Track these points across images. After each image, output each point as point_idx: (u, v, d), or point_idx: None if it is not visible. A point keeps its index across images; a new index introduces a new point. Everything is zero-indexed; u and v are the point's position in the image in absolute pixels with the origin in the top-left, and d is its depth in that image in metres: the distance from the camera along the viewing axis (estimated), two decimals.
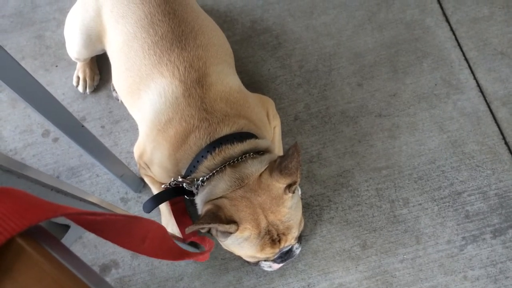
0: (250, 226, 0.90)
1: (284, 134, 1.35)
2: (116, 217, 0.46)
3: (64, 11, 1.57)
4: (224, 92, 1.04)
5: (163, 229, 0.63)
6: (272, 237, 0.93)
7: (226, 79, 1.07)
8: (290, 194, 0.92)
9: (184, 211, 1.27)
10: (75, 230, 0.58)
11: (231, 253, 1.24)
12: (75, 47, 1.31)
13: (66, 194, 0.62)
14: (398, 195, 1.27)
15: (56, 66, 1.53)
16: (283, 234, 0.94)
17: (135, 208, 1.32)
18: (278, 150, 1.26)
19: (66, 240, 0.57)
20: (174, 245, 0.67)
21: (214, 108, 1.00)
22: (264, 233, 0.92)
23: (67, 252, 0.36)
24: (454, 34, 1.45)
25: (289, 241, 0.97)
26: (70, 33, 1.30)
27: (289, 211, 0.93)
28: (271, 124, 1.20)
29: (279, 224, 0.93)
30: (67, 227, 0.58)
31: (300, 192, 1.27)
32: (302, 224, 1.06)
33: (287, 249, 1.02)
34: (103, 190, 1.36)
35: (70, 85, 1.48)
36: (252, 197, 0.91)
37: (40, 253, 0.32)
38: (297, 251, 1.09)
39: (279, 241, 0.95)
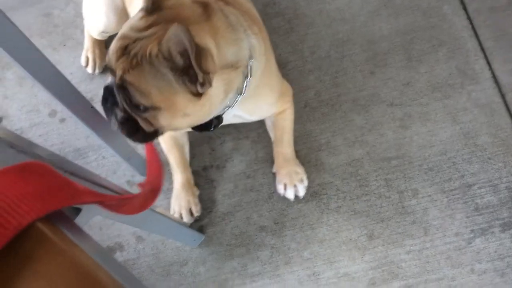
0: None
1: (293, 120, 1.33)
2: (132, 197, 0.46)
3: None
4: None
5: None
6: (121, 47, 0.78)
7: None
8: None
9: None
10: (87, 213, 0.57)
11: (236, 239, 1.24)
12: (102, 18, 1.27)
13: (74, 174, 0.61)
14: (408, 186, 1.25)
15: (64, 45, 1.51)
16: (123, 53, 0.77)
17: None
18: (288, 142, 1.24)
19: (78, 223, 0.56)
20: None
21: None
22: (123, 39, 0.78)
23: (87, 238, 0.34)
24: (471, 22, 1.41)
25: (118, 68, 0.78)
26: (93, 7, 1.26)
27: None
28: (282, 105, 1.19)
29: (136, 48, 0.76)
30: (78, 210, 0.57)
31: (306, 184, 1.26)
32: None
33: (112, 86, 0.83)
34: (109, 172, 1.35)
35: (78, 65, 1.46)
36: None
37: (62, 240, 0.30)
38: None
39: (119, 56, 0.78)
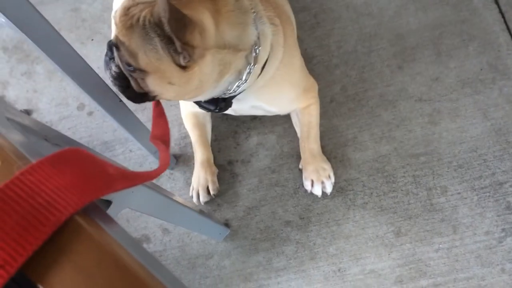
0: None
1: (319, 116, 1.31)
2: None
3: None
4: None
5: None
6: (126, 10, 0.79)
7: None
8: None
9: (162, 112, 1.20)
10: (117, 206, 0.57)
11: (261, 233, 1.23)
12: None
13: None
14: (436, 183, 1.23)
15: (92, 39, 1.53)
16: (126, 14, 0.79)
17: (167, 184, 1.32)
18: (314, 137, 1.23)
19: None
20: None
21: None
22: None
23: (123, 232, 0.34)
24: (503, 16, 1.37)
25: (117, 26, 0.80)
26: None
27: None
28: (306, 100, 1.18)
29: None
30: (109, 202, 0.57)
31: (333, 180, 1.24)
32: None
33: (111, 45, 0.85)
34: (135, 166, 1.36)
35: None
36: None
37: (99, 233, 0.30)
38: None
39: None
